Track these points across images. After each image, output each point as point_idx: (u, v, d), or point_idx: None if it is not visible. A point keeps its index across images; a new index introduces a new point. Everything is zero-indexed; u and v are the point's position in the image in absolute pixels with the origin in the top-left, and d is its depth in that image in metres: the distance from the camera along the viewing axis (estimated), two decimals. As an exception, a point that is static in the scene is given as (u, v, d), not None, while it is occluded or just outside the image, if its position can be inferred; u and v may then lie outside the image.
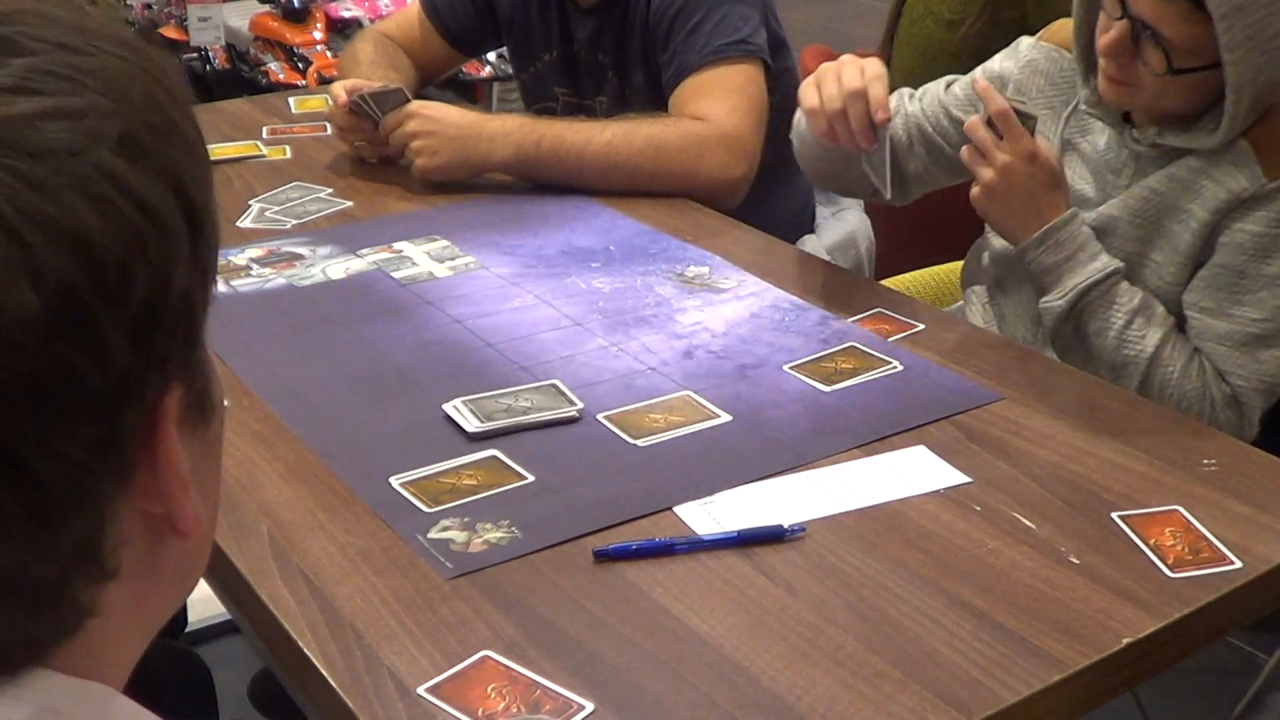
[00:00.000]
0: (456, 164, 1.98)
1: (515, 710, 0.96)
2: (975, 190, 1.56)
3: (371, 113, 2.00)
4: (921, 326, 1.58)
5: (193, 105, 0.54)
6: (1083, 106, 1.64)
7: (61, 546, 0.48)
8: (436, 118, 1.98)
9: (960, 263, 2.01)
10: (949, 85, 1.77)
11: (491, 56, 3.65)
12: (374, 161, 2.09)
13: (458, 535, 1.17)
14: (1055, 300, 1.56)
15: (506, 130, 1.98)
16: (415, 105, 2.00)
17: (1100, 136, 1.64)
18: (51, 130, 0.46)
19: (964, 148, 1.57)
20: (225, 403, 0.58)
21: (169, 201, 0.49)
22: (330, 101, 2.10)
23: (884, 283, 1.99)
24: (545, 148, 1.95)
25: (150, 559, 0.53)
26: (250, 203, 1.94)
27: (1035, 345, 1.69)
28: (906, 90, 1.79)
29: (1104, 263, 1.54)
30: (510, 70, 2.51)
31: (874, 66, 1.56)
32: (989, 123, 1.53)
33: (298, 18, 4.29)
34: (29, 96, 0.46)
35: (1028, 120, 1.53)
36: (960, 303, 1.95)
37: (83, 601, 0.51)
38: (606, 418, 1.37)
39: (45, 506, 0.47)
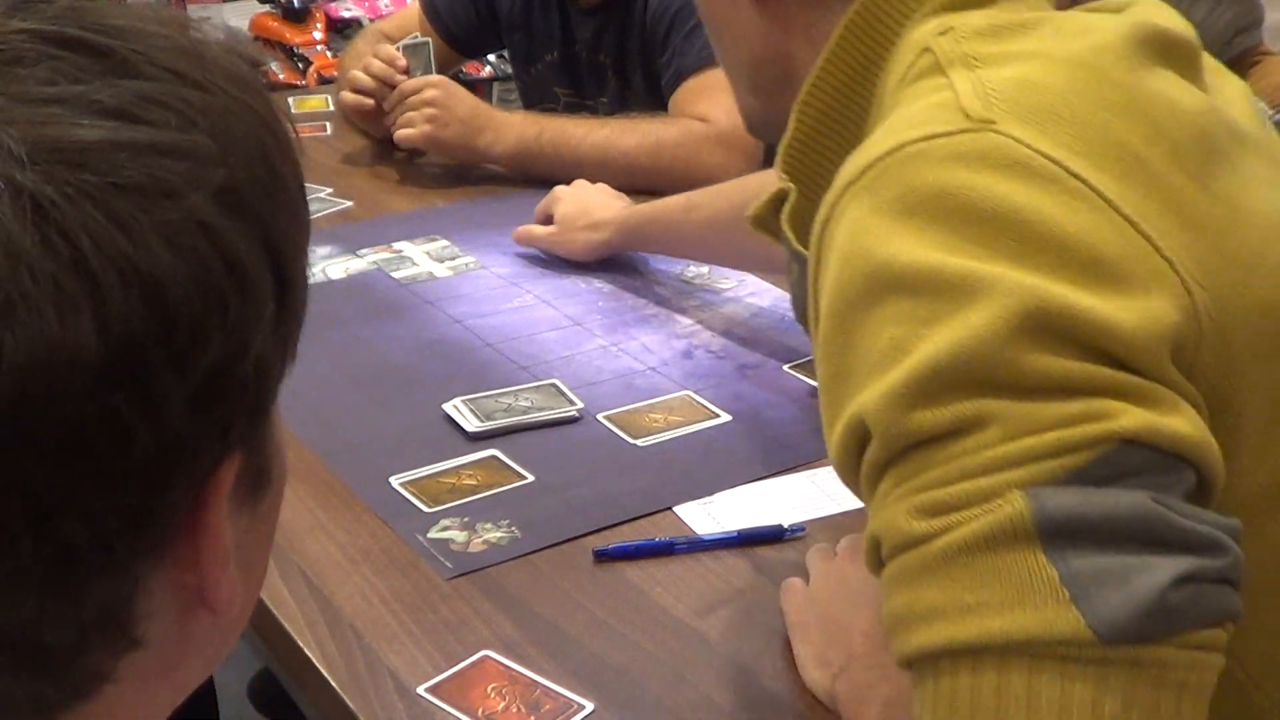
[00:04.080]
0: (459, 144, 2.00)
1: (515, 710, 0.96)
2: None
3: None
4: (921, 327, 1.57)
5: (300, 157, 0.50)
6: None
7: (82, 613, 0.44)
8: (454, 94, 2.02)
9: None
10: None
11: (491, 57, 3.65)
12: (382, 139, 2.11)
13: (458, 535, 1.17)
14: None
15: (510, 121, 2.01)
16: (437, 78, 2.03)
17: None
18: (148, 166, 0.42)
19: None
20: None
21: (260, 264, 0.45)
22: (340, 78, 2.15)
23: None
24: (545, 140, 1.97)
25: (178, 631, 0.48)
26: (250, 202, 1.94)
27: None
28: None
29: None
30: (510, 70, 2.52)
31: None
32: None
33: (298, 18, 4.29)
34: (130, 124, 0.42)
35: None
36: None
37: (100, 669, 0.46)
38: (606, 418, 1.36)
39: (69, 570, 0.42)
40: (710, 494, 1.23)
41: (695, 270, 1.73)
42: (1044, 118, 0.73)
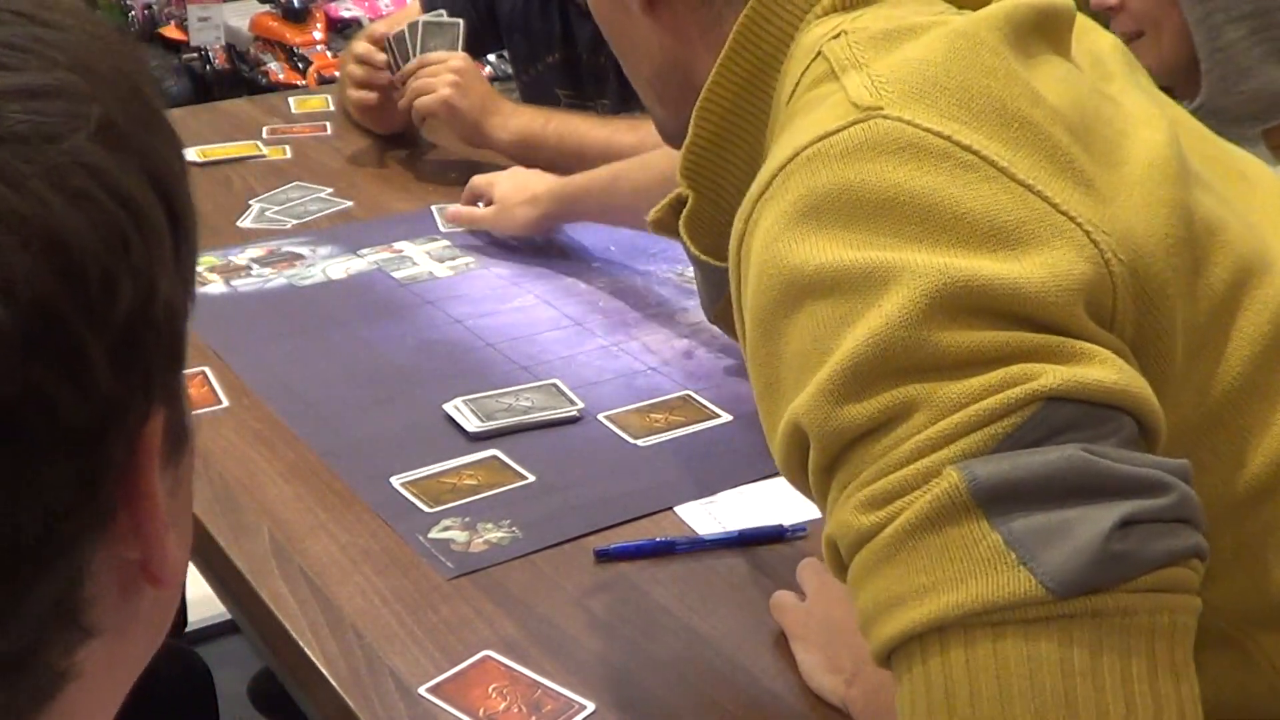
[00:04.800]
0: (472, 117, 1.98)
1: (516, 710, 0.96)
2: None
3: (403, 53, 2.03)
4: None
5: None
6: None
7: (37, 605, 0.41)
8: (477, 71, 2.04)
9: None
10: None
11: (491, 57, 3.64)
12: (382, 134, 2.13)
13: (458, 535, 1.17)
14: None
15: (520, 110, 2.03)
16: (461, 54, 2.05)
17: None
18: (18, 111, 0.39)
19: None
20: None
21: (150, 198, 0.42)
22: (349, 51, 2.17)
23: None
24: (551, 129, 1.97)
25: (125, 611, 0.46)
26: (250, 203, 1.94)
27: None
28: None
29: None
30: (510, 70, 2.52)
31: None
32: None
33: (298, 18, 4.28)
34: None
35: None
36: None
37: (59, 666, 0.44)
38: (607, 417, 1.37)
39: (19, 562, 0.40)
40: (711, 494, 1.23)
41: (695, 270, 1.73)
42: (929, 91, 0.74)
